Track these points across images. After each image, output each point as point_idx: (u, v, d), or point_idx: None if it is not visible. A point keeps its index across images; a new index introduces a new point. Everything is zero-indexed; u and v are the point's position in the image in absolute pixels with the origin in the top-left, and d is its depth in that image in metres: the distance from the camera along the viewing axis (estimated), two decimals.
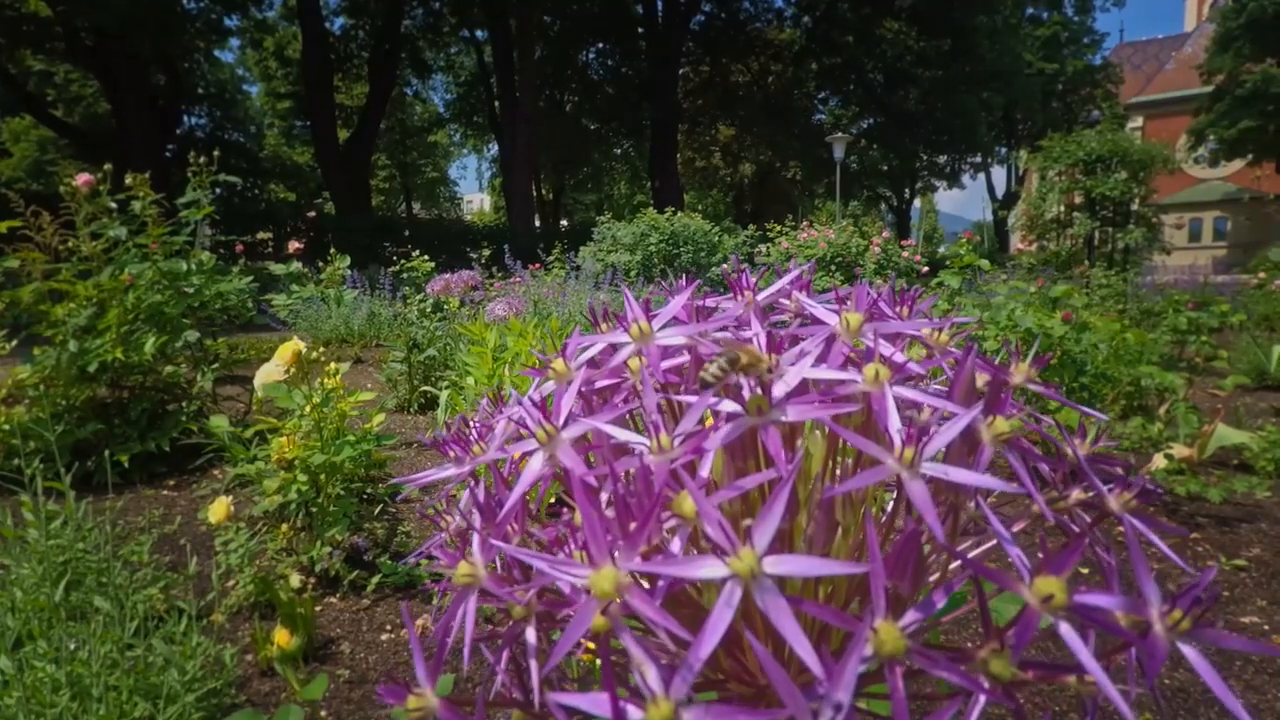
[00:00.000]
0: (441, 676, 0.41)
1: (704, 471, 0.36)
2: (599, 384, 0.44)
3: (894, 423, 0.35)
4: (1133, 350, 3.50)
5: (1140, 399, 3.49)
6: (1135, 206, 13.14)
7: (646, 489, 0.34)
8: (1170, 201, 30.04)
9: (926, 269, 9.18)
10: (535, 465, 0.40)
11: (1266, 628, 1.84)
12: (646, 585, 0.33)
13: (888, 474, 0.33)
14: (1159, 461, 2.65)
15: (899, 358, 0.40)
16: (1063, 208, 13.64)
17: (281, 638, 1.49)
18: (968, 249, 4.11)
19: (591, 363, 0.45)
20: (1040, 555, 0.32)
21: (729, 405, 0.37)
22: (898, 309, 0.46)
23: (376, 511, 2.44)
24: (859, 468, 0.41)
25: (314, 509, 2.10)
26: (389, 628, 1.87)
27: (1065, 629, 0.30)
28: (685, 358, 0.44)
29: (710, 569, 0.29)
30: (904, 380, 0.40)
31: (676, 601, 0.40)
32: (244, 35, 26.11)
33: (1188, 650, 0.31)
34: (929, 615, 0.31)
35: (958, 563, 0.40)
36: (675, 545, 0.33)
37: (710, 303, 0.49)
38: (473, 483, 0.44)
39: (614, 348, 0.44)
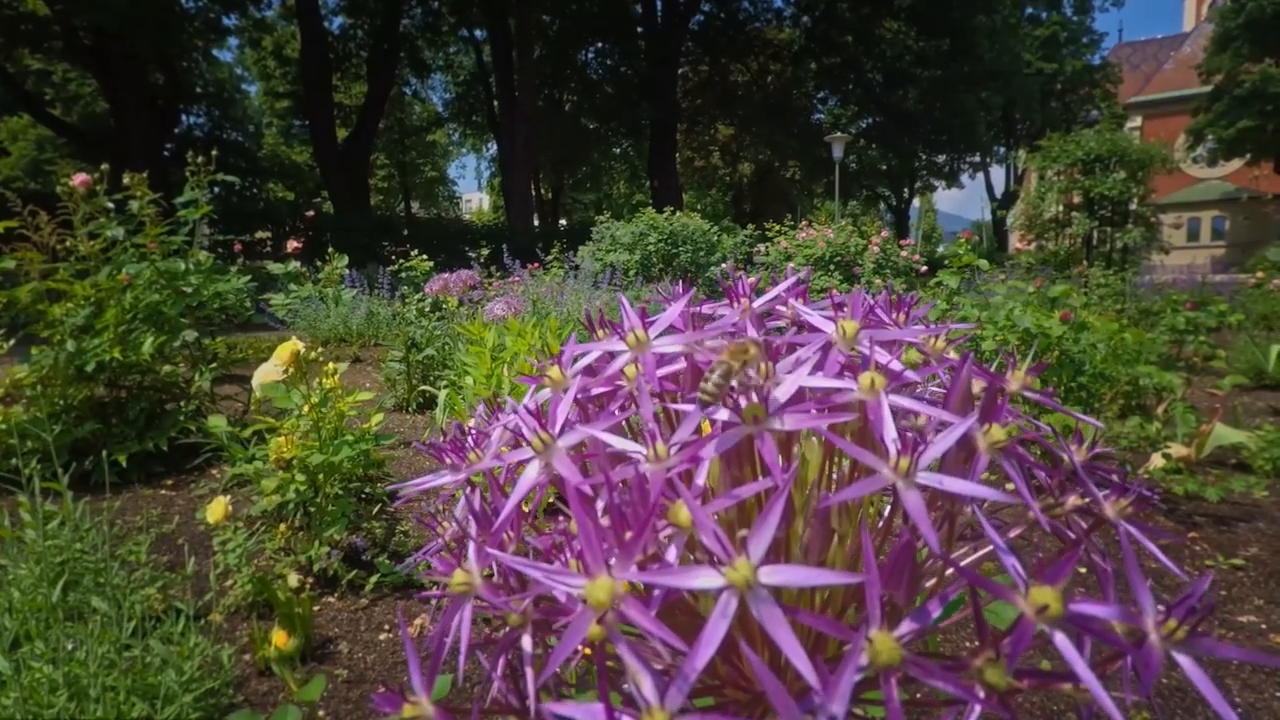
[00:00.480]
0: (440, 677, 0.41)
1: (700, 480, 0.36)
2: (595, 391, 0.44)
3: (889, 432, 0.35)
4: (1131, 350, 3.51)
5: (1138, 398, 3.50)
6: (1134, 206, 13.13)
7: (642, 498, 0.34)
8: (1169, 201, 30.11)
9: (925, 268, 9.18)
10: (531, 473, 0.40)
11: (1264, 626, 1.84)
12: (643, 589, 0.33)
13: (883, 483, 0.33)
14: (1157, 461, 2.66)
15: (895, 365, 0.40)
16: (1061, 207, 13.63)
17: (279, 638, 1.48)
18: (966, 249, 4.12)
19: (588, 370, 0.45)
20: (1036, 561, 0.32)
21: (725, 414, 0.37)
22: (894, 315, 0.46)
23: (375, 511, 2.44)
24: (855, 476, 0.41)
25: (312, 509, 2.10)
26: (387, 627, 1.87)
27: (1060, 639, 0.30)
28: (682, 364, 0.44)
29: (705, 579, 0.29)
30: (900, 388, 0.40)
31: (673, 607, 0.40)
32: (242, 34, 26.12)
33: (1183, 659, 0.31)
34: (924, 624, 0.31)
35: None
36: (671, 554, 0.33)
37: (707, 309, 0.49)
38: (468, 489, 0.44)
39: (610, 355, 0.44)
